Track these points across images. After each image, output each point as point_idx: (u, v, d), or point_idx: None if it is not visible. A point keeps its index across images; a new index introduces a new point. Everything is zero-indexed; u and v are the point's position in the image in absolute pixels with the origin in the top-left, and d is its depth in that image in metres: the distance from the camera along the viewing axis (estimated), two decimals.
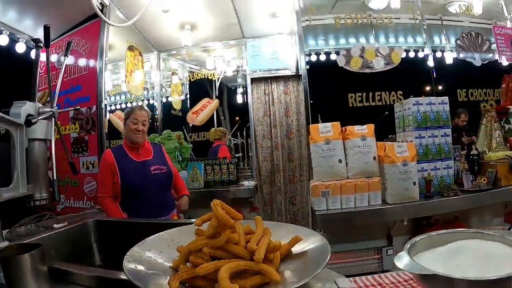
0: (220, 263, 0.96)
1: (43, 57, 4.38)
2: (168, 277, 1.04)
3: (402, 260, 0.96)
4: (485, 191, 2.92)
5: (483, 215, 3.15)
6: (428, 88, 4.20)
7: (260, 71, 5.54)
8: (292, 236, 1.16)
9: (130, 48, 4.54)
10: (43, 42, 1.85)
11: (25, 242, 1.64)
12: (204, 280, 0.98)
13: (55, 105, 1.72)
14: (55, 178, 1.65)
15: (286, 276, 1.00)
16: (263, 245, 1.03)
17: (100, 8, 3.51)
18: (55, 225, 2.04)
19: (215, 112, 5.83)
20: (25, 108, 1.56)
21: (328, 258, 1.03)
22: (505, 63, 4.14)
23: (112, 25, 2.71)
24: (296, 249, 1.16)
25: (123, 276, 1.17)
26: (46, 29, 1.82)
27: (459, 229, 1.14)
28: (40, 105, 1.65)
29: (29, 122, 1.51)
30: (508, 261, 0.90)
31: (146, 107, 3.03)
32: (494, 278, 0.83)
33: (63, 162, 1.86)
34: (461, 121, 4.67)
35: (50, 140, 1.69)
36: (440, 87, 4.31)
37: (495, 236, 1.04)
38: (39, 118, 1.57)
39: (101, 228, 2.19)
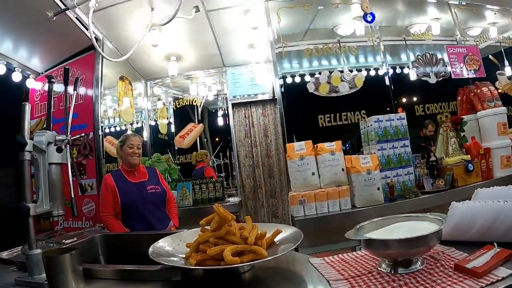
0: (224, 247, 1.35)
1: (35, 85, 4.70)
2: (182, 262, 1.42)
3: (351, 235, 1.36)
4: (443, 191, 3.28)
5: (445, 212, 3.50)
6: (388, 105, 4.57)
7: (240, 96, 5.88)
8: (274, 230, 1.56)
9: (121, 78, 4.85)
10: (55, 79, 2.09)
11: (62, 247, 1.92)
12: (212, 260, 1.35)
13: (69, 133, 1.90)
14: (73, 196, 1.85)
15: (271, 254, 1.38)
16: (253, 234, 1.42)
17: (95, 41, 3.82)
18: (65, 241, 2.28)
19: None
20: (46, 136, 1.76)
21: (301, 239, 1.43)
22: (459, 77, 4.57)
23: (110, 60, 3.04)
24: (278, 239, 1.54)
25: (140, 268, 1.53)
26: (66, 71, 2.05)
27: (396, 214, 1.51)
28: (56, 134, 1.83)
29: (60, 149, 1.76)
30: (428, 230, 1.25)
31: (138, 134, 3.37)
32: (413, 236, 1.21)
33: (65, 185, 1.98)
34: (429, 132, 5.01)
35: (66, 164, 1.87)
36: (399, 104, 4.71)
37: (423, 217, 1.43)
38: (64, 144, 1.83)
39: (107, 242, 2.44)
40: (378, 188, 3.08)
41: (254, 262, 1.33)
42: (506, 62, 5.48)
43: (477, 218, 1.42)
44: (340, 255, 1.58)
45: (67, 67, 2.08)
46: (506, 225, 1.36)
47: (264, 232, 1.49)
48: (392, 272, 1.26)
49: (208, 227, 1.51)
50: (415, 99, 5.10)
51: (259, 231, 1.48)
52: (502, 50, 5.47)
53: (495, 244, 1.28)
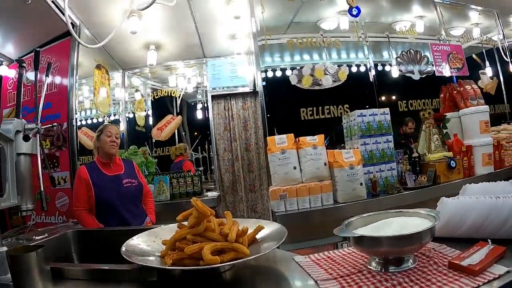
0: (203, 244, 1.25)
1: (8, 73, 4.49)
2: (157, 261, 1.32)
3: (340, 232, 1.30)
4: (425, 188, 3.25)
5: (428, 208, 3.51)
6: (371, 100, 4.55)
7: (220, 88, 5.83)
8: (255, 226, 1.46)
9: (98, 67, 4.70)
10: (25, 62, 1.96)
11: (28, 244, 1.78)
12: (190, 259, 1.25)
13: (39, 122, 1.78)
14: (42, 190, 1.71)
15: (253, 252, 1.29)
16: (234, 230, 1.33)
17: (71, 26, 3.65)
18: (36, 237, 2.14)
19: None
20: (15, 124, 1.63)
21: (285, 236, 1.35)
22: (443, 75, 4.60)
23: (86, 46, 2.89)
24: (260, 235, 1.46)
25: (111, 267, 1.42)
26: (37, 53, 1.92)
27: (385, 210, 1.46)
28: (25, 122, 1.71)
29: (26, 137, 1.62)
30: (420, 227, 1.20)
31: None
32: (406, 233, 1.16)
33: (35, 177, 1.92)
34: (409, 129, 5.05)
35: (36, 155, 1.74)
36: (383, 99, 4.72)
37: (411, 212, 1.38)
38: (32, 133, 1.72)
39: (80, 238, 2.30)
40: (361, 184, 3.01)
41: (236, 261, 1.24)
42: (487, 63, 5.55)
43: (469, 214, 1.39)
44: (326, 252, 1.51)
45: (37, 49, 1.93)
46: (498, 222, 1.33)
47: (246, 228, 1.39)
48: (383, 270, 1.20)
49: (185, 223, 1.41)
50: (397, 95, 5.07)
51: (240, 228, 1.39)
52: (484, 51, 5.54)
53: (489, 240, 1.25)
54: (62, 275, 1.44)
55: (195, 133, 6.30)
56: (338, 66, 4.37)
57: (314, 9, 4.63)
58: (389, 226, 1.32)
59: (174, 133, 6.02)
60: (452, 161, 3.42)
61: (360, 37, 4.61)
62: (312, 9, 4.62)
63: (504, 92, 5.60)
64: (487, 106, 3.95)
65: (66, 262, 2.08)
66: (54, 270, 1.38)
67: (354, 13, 4.33)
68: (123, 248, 1.37)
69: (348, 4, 4.31)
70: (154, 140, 5.90)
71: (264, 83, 4.23)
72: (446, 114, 3.98)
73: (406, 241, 1.17)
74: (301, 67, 4.26)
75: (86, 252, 2.27)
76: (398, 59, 4.61)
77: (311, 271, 1.30)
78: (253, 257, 1.22)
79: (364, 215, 1.44)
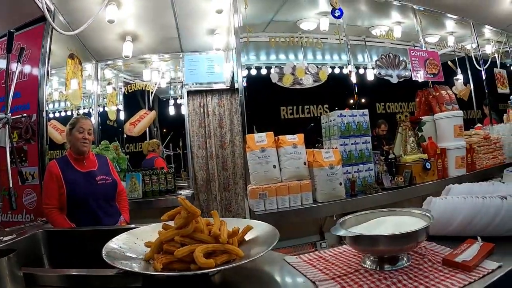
0: (193, 247, 1.18)
1: None
2: (141, 265, 1.23)
3: (338, 231, 1.28)
4: (402, 188, 3.33)
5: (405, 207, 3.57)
6: (351, 102, 4.59)
7: (196, 84, 5.75)
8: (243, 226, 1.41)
9: (71, 56, 4.50)
10: None
11: None
12: (180, 263, 1.17)
13: (9, 111, 1.67)
14: (11, 186, 1.62)
15: (247, 253, 1.23)
16: (225, 231, 1.26)
17: (46, 11, 3.45)
18: (3, 238, 1.98)
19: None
20: None
21: (278, 237, 1.29)
22: (419, 80, 4.65)
23: (62, 33, 2.72)
24: (248, 236, 1.40)
25: (92, 273, 1.31)
26: (11, 35, 1.79)
27: (377, 209, 1.47)
28: None
29: None
30: (414, 226, 1.23)
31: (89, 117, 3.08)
32: (404, 232, 1.18)
33: (2, 172, 1.77)
34: (381, 131, 5.13)
35: (4, 148, 1.65)
36: (362, 100, 4.74)
37: (404, 211, 1.41)
38: (2, 123, 1.58)
39: (51, 239, 2.17)
40: (340, 183, 3.04)
41: (232, 265, 1.16)
42: (459, 70, 5.72)
43: (458, 213, 1.44)
44: (316, 252, 1.50)
45: (11, 30, 1.79)
46: (486, 220, 1.39)
47: (237, 229, 1.34)
48: (378, 269, 1.22)
49: (170, 223, 1.34)
50: (375, 98, 5.13)
51: (230, 228, 1.33)
52: (456, 58, 5.68)
53: (478, 238, 1.31)
54: (36, 282, 1.33)
55: (164, 130, 6.13)
56: (317, 66, 4.33)
57: (295, 9, 4.62)
58: (383, 225, 1.33)
59: (147, 129, 5.87)
60: (427, 163, 3.52)
61: (342, 39, 4.59)
62: (293, 9, 4.61)
63: (474, 99, 5.78)
64: (461, 111, 4.06)
65: (36, 266, 1.99)
66: (27, 276, 1.27)
67: (337, 15, 4.32)
68: (104, 252, 1.27)
69: (331, 5, 4.30)
70: (125, 136, 5.73)
71: (245, 80, 4.15)
72: (422, 117, 4.07)
73: (404, 240, 1.19)
74: (282, 66, 4.21)
75: (57, 254, 2.13)
76: (378, 62, 4.63)
77: (306, 271, 1.28)
78: (249, 260, 1.16)
79: (358, 213, 1.45)
